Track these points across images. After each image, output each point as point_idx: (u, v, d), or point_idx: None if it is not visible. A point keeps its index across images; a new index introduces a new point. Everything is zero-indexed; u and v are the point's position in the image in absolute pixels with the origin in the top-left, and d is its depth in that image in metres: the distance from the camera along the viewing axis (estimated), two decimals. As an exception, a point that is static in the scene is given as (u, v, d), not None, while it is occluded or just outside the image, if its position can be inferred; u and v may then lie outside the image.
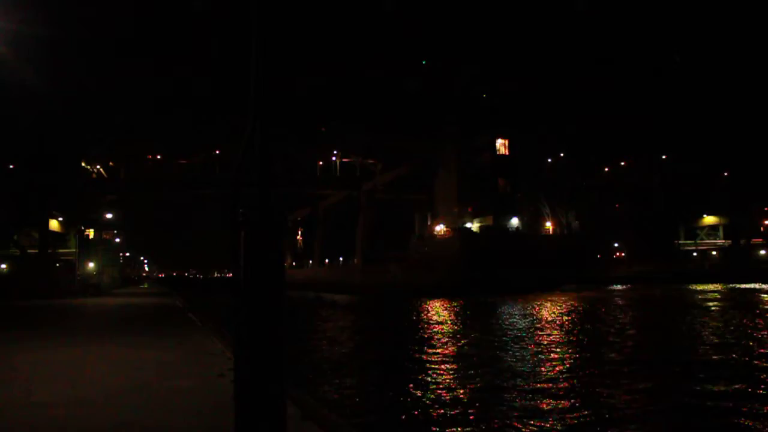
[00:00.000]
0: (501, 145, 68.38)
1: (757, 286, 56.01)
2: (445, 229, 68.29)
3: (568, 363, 14.97)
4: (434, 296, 48.83)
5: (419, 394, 10.86)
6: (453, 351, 17.85)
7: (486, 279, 51.44)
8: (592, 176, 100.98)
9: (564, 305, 36.13)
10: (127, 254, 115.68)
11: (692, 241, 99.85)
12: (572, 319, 27.68)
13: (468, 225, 67.30)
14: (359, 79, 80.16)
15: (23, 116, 56.47)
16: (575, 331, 22.55)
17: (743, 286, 57.25)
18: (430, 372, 13.54)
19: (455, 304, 40.43)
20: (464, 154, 68.89)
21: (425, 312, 34.16)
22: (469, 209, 67.77)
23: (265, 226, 2.91)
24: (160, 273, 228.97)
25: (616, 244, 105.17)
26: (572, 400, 10.50)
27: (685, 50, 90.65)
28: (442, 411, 9.55)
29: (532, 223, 68.41)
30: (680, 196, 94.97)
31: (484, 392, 11.19)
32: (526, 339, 19.94)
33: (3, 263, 59.05)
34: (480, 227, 67.48)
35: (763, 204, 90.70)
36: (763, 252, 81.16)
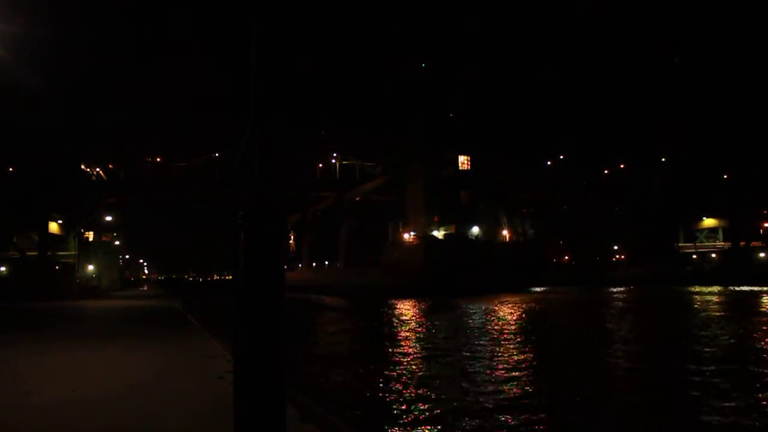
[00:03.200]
0: (464, 161, 75.20)
1: (756, 288, 55.99)
2: (412, 236, 73.67)
3: (520, 357, 15.91)
4: (403, 297, 52.86)
5: (401, 393, 10.86)
6: (415, 346, 19.03)
7: (447, 282, 56.13)
8: (592, 177, 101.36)
9: (514, 306, 38.37)
10: (127, 256, 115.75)
11: (691, 244, 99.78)
12: (517, 317, 29.94)
13: (434, 233, 72.74)
14: (359, 81, 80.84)
15: (23, 119, 56.54)
16: (518, 328, 24.57)
17: (742, 288, 57.26)
18: (403, 368, 13.61)
19: (420, 304, 43.34)
20: (431, 168, 74.73)
21: (394, 312, 36.71)
22: (435, 218, 73.33)
23: (264, 227, 2.90)
24: (160, 275, 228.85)
25: (615, 247, 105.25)
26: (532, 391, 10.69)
27: (685, 51, 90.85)
28: (420, 407, 9.56)
29: (491, 231, 73.90)
30: (680, 198, 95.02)
31: (453, 387, 11.22)
32: (483, 335, 21.29)
33: (2, 266, 58.99)
34: (444, 235, 73.01)
35: (763, 206, 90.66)
36: (762, 255, 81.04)
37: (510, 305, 38.82)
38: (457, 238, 70.93)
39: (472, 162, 74.86)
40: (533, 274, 67.46)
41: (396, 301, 47.67)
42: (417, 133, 76.09)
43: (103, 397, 6.98)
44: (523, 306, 38.17)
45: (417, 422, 9.00)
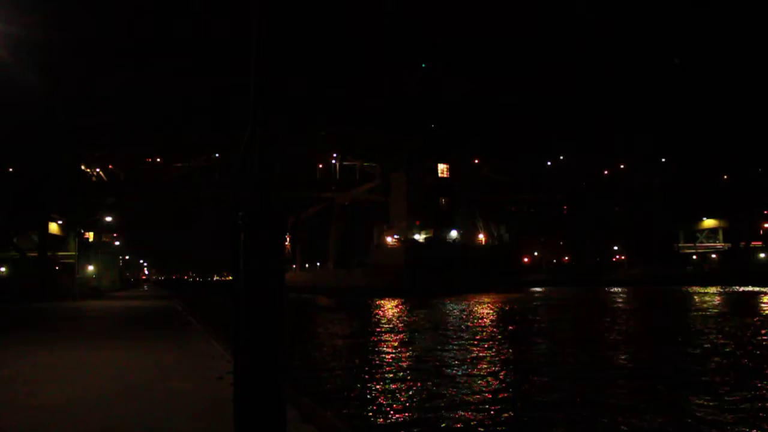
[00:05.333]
0: (443, 169, 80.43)
1: (756, 289, 55.97)
2: (395, 239, 78.32)
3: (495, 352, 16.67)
4: (386, 296, 56.81)
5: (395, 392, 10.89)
6: (391, 341, 20.43)
7: (426, 282, 60.25)
8: (592, 178, 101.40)
9: (487, 305, 40.49)
10: (127, 257, 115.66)
11: (692, 244, 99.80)
12: (490, 315, 32.02)
13: (416, 236, 77.41)
14: (359, 82, 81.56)
15: (23, 119, 56.49)
16: (490, 324, 26.63)
17: (742, 288, 57.24)
18: (388, 366, 13.64)
19: (401, 303, 46.25)
20: (413, 176, 79.70)
21: (377, 309, 39.68)
22: (417, 222, 77.97)
23: (265, 228, 2.90)
24: (160, 276, 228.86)
25: (615, 247, 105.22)
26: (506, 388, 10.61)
27: (685, 53, 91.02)
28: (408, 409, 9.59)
29: (468, 235, 78.39)
30: (680, 198, 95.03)
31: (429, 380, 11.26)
32: (460, 331, 22.76)
33: (2, 266, 58.94)
34: (425, 238, 77.50)
35: (763, 207, 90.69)
36: (762, 255, 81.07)
37: (481, 305, 40.77)
38: (436, 241, 75.65)
39: (451, 170, 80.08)
40: (507, 275, 70.83)
41: (377, 300, 50.47)
42: (413, 137, 79.97)
43: (103, 397, 6.98)
44: (493, 306, 39.94)
45: (413, 421, 9.01)
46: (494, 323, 27.03)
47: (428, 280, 61.20)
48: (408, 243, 74.64)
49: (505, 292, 58.05)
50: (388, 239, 79.88)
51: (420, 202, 77.77)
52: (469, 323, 26.70)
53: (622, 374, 13.27)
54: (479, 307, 37.80)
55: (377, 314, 35.00)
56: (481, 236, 79.48)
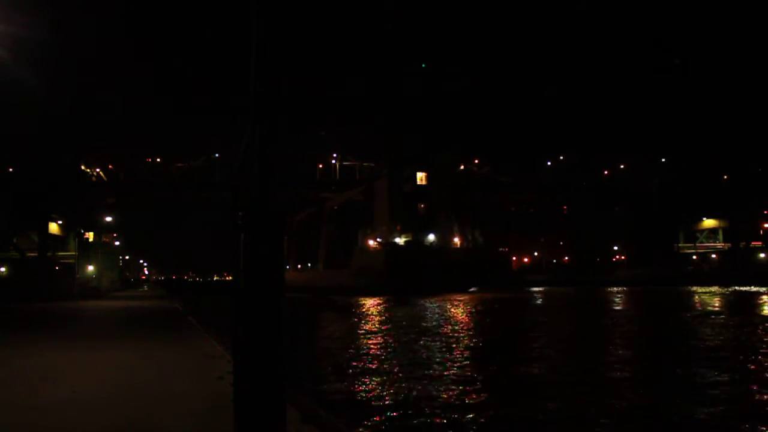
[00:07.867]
0: (421, 177, 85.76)
1: (755, 289, 55.93)
2: (377, 242, 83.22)
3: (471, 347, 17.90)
4: (368, 295, 61.26)
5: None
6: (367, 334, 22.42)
7: (404, 282, 64.03)
8: (592, 178, 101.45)
9: (460, 304, 42.76)
10: (127, 257, 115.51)
11: (692, 244, 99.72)
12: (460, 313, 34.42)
13: (397, 239, 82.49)
14: (359, 82, 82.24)
15: (24, 119, 56.52)
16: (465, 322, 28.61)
17: (741, 288, 57.20)
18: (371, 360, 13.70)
19: (383, 302, 49.28)
20: (394, 183, 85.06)
21: (362, 308, 42.16)
22: (398, 227, 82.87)
23: (265, 228, 2.90)
24: (160, 276, 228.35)
25: (615, 247, 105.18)
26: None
27: (685, 52, 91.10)
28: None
29: (445, 238, 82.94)
30: (680, 198, 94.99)
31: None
32: (441, 328, 24.52)
33: (2, 266, 58.85)
34: (405, 242, 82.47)
35: (763, 207, 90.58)
36: (762, 255, 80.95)
37: (455, 304, 43.11)
38: (415, 244, 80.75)
39: (429, 178, 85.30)
40: (481, 276, 73.43)
41: (361, 300, 53.66)
42: (401, 143, 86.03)
43: (103, 397, 6.98)
44: (465, 305, 41.88)
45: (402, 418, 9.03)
46: (468, 322, 28.80)
47: (407, 280, 65.05)
48: (388, 246, 79.54)
49: (479, 293, 60.95)
50: (371, 242, 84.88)
51: (400, 208, 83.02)
52: (447, 321, 28.47)
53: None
54: (453, 306, 39.94)
55: (363, 313, 36.90)
56: (456, 239, 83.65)
